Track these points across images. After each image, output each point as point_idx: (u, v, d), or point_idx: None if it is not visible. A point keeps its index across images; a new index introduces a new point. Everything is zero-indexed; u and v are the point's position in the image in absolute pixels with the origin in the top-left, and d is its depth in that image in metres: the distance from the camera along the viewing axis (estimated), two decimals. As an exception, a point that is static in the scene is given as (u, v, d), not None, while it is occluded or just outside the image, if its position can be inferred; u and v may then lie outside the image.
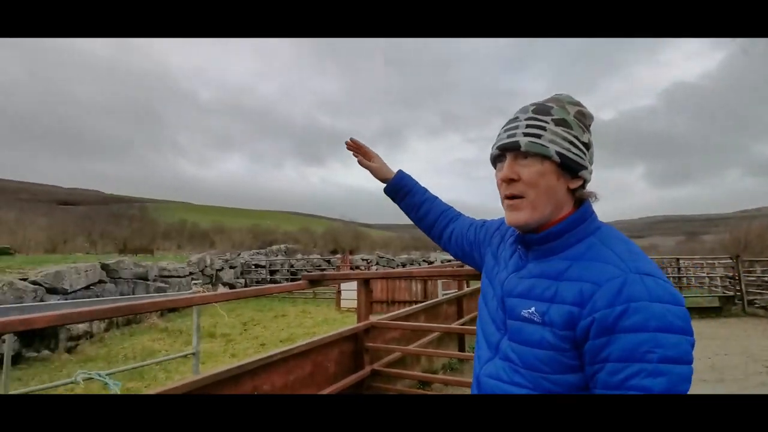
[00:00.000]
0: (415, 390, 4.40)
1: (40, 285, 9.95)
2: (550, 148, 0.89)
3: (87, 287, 11.40)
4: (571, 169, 0.91)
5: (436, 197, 1.42)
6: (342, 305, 13.84)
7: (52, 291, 10.19)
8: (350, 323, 4.94)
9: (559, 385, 0.84)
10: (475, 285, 7.44)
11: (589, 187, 0.95)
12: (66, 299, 10.27)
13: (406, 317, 4.59)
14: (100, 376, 3.33)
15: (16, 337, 6.99)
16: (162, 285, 14.06)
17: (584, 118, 0.95)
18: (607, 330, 0.76)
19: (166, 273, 14.84)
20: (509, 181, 0.92)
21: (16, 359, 7.64)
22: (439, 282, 10.88)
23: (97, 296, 11.42)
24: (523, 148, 0.90)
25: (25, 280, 9.87)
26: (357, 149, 1.44)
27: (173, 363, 7.24)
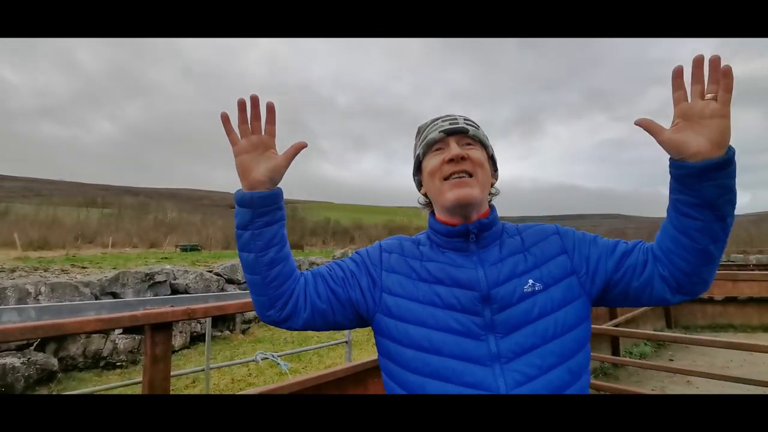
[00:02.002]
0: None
1: (221, 276, 11.93)
2: (487, 141, 1.03)
3: (254, 278, 13.29)
4: (494, 166, 1.05)
5: None
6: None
7: (229, 281, 12.14)
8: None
9: (576, 328, 0.92)
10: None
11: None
12: (239, 288, 12.13)
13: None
14: (273, 357, 3.89)
15: (210, 319, 8.52)
16: (312, 277, 15.70)
17: None
18: (587, 243, 0.98)
19: (315, 267, 16.55)
20: (460, 159, 0.95)
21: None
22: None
23: (262, 286, 13.26)
24: (470, 133, 0.99)
25: (210, 271, 11.94)
26: (269, 123, 0.92)
27: (325, 349, 8.02)
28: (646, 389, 4.37)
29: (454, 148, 0.95)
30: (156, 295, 9.57)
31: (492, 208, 1.03)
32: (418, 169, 1.07)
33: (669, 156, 0.83)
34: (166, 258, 17.43)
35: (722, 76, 0.77)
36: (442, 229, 0.98)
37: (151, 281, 9.94)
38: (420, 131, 1.09)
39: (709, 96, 0.79)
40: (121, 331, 8.09)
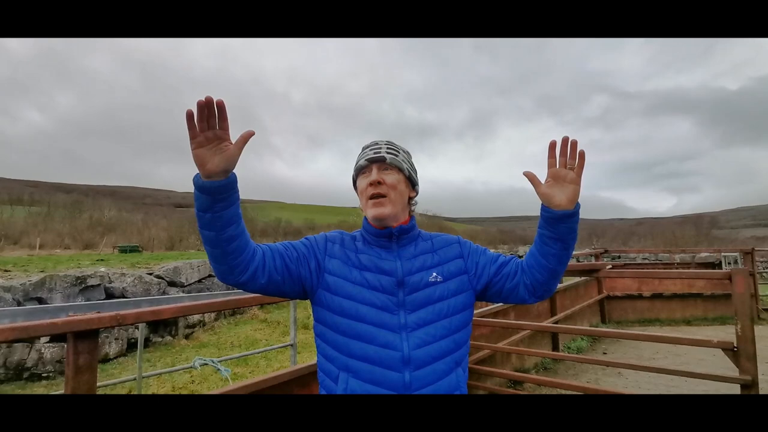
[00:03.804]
0: (506, 389, 4.27)
1: (162, 278, 11.33)
2: (403, 165, 1.29)
3: (199, 281, 12.73)
4: (412, 182, 1.33)
5: None
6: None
7: (172, 284, 11.56)
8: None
9: (462, 311, 1.24)
10: (568, 280, 7.00)
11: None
12: (183, 291, 11.58)
13: (495, 314, 4.46)
14: (213, 362, 3.72)
15: (146, 325, 8.05)
16: (261, 279, 15.20)
17: (410, 156, 1.37)
18: (479, 253, 1.33)
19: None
20: (377, 183, 1.24)
21: (146, 344, 8.80)
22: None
23: (208, 289, 12.71)
24: (387, 161, 1.26)
25: (151, 274, 11.30)
26: (222, 119, 0.99)
27: (273, 352, 7.82)
28: (582, 382, 4.61)
29: (373, 174, 1.25)
30: (88, 300, 8.92)
31: (412, 217, 1.34)
32: (355, 184, 1.36)
33: (541, 202, 1.18)
34: (101, 260, 16.30)
35: (579, 157, 1.13)
36: (372, 231, 1.28)
37: (83, 285, 9.26)
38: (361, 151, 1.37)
39: (569, 167, 1.14)
40: (47, 339, 7.47)
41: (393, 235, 1.26)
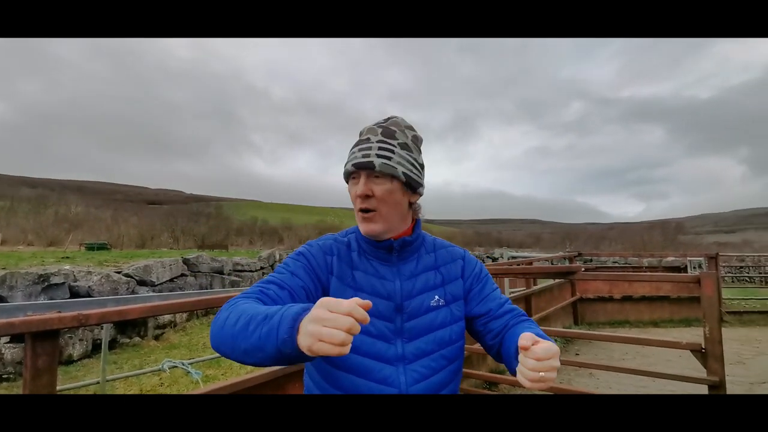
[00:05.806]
0: (481, 390, 4.29)
1: (131, 277, 10.96)
2: (398, 169, 1.05)
3: (171, 280, 12.37)
4: (413, 186, 1.10)
5: (250, 311, 0.82)
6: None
7: (141, 283, 11.20)
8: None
9: (460, 339, 1.11)
10: (543, 283, 7.11)
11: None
12: (153, 290, 11.23)
13: (472, 316, 4.48)
14: (183, 365, 3.59)
15: (112, 325, 7.76)
16: (236, 279, 14.93)
17: (418, 142, 1.14)
18: (479, 282, 1.16)
19: (239, 268, 15.77)
20: (365, 196, 1.05)
21: (112, 345, 8.49)
22: (506, 280, 10.54)
23: (180, 288, 12.37)
24: (377, 169, 1.03)
25: (119, 273, 10.92)
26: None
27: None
28: (555, 382, 4.68)
29: (360, 185, 1.05)
30: (51, 299, 8.54)
31: (417, 223, 1.16)
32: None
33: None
34: (67, 257, 15.68)
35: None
36: (369, 241, 1.11)
37: (46, 283, 8.87)
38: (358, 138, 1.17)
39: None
40: (8, 339, 7.11)
41: (393, 248, 1.09)
